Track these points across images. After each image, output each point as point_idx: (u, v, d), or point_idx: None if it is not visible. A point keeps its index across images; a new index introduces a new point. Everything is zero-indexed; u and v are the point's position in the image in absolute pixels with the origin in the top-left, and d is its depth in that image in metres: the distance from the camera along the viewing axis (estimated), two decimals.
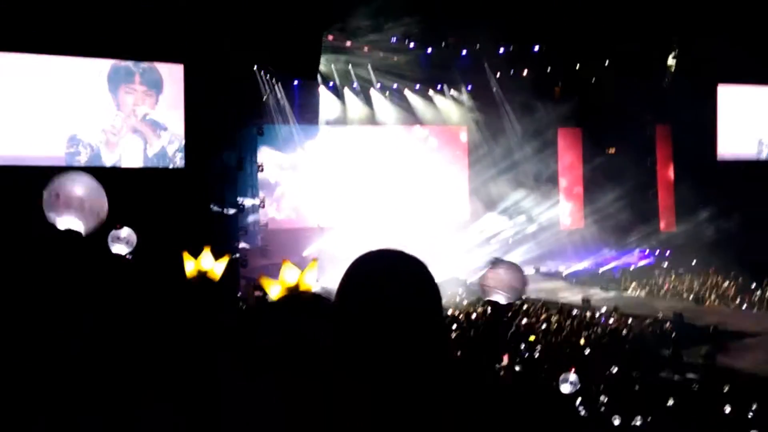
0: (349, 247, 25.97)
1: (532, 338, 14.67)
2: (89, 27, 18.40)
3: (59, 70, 19.64)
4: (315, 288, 2.13)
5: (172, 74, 20.82)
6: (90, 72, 20.07)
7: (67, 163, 19.40)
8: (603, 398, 10.37)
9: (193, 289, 2.06)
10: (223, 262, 2.20)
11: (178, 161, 21.02)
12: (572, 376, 7.74)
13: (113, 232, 4.96)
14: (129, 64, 20.45)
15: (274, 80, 25.33)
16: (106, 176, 15.76)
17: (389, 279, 1.57)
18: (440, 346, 1.55)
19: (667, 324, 17.55)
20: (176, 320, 2.21)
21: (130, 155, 20.54)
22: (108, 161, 20.23)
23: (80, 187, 3.42)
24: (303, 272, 2.15)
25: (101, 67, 20.13)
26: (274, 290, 2.24)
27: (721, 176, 26.96)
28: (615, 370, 12.75)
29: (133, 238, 4.51)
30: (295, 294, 2.17)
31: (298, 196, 27.57)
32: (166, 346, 2.14)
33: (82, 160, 19.80)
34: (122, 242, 4.66)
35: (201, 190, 19.69)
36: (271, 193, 26.04)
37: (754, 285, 22.34)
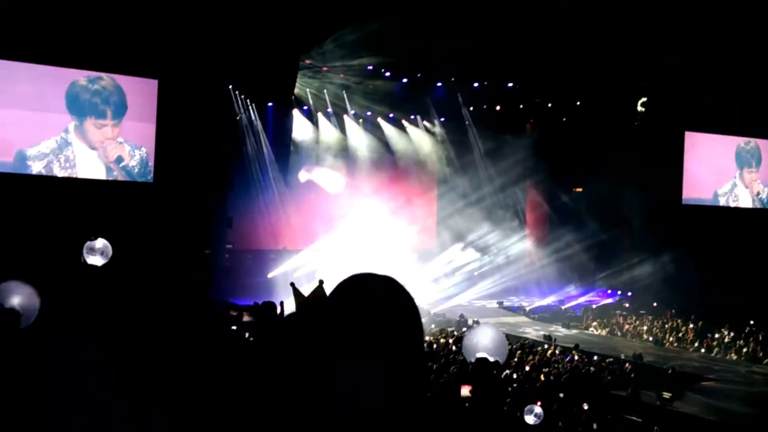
0: (313, 270, 25.94)
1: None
2: (64, 37, 18.26)
3: (32, 77, 19.38)
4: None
5: (145, 89, 20.64)
6: (55, 85, 19.76)
7: (16, 170, 19.10)
8: None
9: (176, 297, 2.06)
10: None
11: (140, 174, 20.79)
12: (537, 409, 7.80)
13: (88, 244, 4.91)
14: (93, 86, 20.14)
15: (248, 101, 25.32)
16: (71, 187, 15.54)
17: (367, 302, 1.64)
18: (420, 365, 1.62)
19: (627, 364, 17.69)
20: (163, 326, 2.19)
21: (92, 167, 20.26)
22: (64, 172, 19.84)
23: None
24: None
25: (69, 78, 19.85)
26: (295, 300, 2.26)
27: (684, 220, 27.37)
28: (585, 407, 12.81)
29: (109, 249, 4.46)
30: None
31: (265, 218, 27.43)
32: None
33: (36, 169, 19.44)
34: (97, 253, 4.61)
35: (170, 205, 19.48)
36: (240, 213, 25.86)
37: (712, 330, 22.62)
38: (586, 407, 12.22)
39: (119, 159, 20.55)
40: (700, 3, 21.92)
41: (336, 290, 1.69)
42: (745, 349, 20.89)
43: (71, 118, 19.99)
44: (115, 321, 2.23)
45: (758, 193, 30.94)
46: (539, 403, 8.26)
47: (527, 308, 26.93)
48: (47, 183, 19.18)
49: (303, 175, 28.64)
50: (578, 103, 28.55)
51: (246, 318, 2.25)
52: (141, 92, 20.65)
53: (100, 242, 4.28)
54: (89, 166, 20.27)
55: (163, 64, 19.73)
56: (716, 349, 21.46)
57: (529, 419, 7.74)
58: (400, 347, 1.60)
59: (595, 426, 12.04)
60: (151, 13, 18.71)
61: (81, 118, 20.10)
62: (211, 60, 19.75)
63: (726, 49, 23.54)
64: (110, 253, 4.38)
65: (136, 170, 20.81)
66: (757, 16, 21.80)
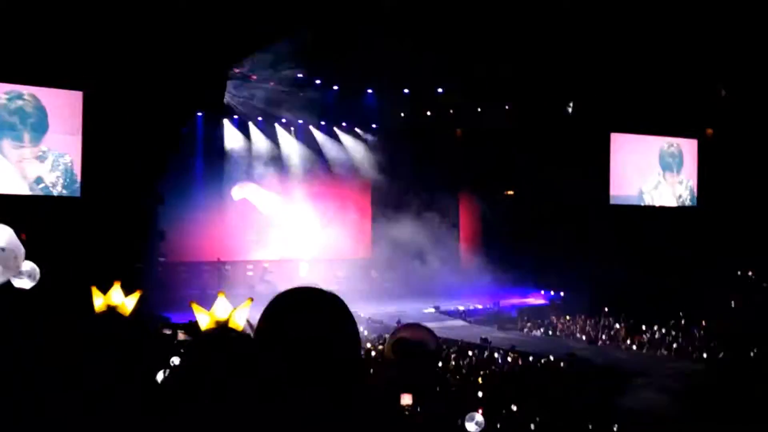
0: (251, 282, 25.68)
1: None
2: None
3: None
4: (244, 327, 2.13)
5: (69, 102, 20.15)
6: None
7: None
8: None
9: (101, 324, 2.01)
10: (134, 297, 2.15)
11: (67, 188, 20.29)
12: (478, 416, 7.82)
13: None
14: (12, 104, 19.59)
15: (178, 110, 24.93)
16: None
17: (307, 309, 1.69)
18: (357, 368, 1.65)
19: (561, 364, 17.98)
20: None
21: (13, 182, 19.70)
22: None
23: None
24: (235, 309, 2.14)
25: None
26: (203, 320, 2.20)
27: (612, 220, 27.99)
28: (514, 408, 12.96)
29: (36, 272, 4.31)
30: (224, 329, 2.14)
31: (199, 229, 27.08)
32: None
33: None
34: (24, 276, 4.44)
35: (98, 219, 19.04)
36: (171, 225, 25.43)
37: (643, 327, 23.15)
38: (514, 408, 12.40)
39: (38, 179, 19.98)
40: (624, 5, 22.42)
41: (271, 310, 1.70)
42: (674, 345, 21.44)
43: None
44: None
45: (680, 196, 31.89)
46: (480, 410, 8.31)
47: (461, 310, 27.12)
48: None
49: (237, 192, 28.39)
50: (507, 107, 28.92)
51: (181, 336, 2.20)
52: (65, 106, 20.16)
53: (27, 264, 4.12)
54: (10, 182, 19.68)
55: (88, 76, 19.28)
56: (647, 346, 21.98)
57: (471, 427, 7.75)
58: (339, 364, 1.62)
59: (533, 426, 12.20)
60: (73, 23, 18.30)
61: None
62: (138, 69, 19.39)
63: (648, 51, 24.17)
64: (38, 275, 4.22)
65: (60, 186, 20.26)
66: (684, 17, 22.40)
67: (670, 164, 31.70)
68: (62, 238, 16.71)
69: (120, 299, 2.26)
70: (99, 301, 2.23)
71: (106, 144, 19.65)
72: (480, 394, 14.00)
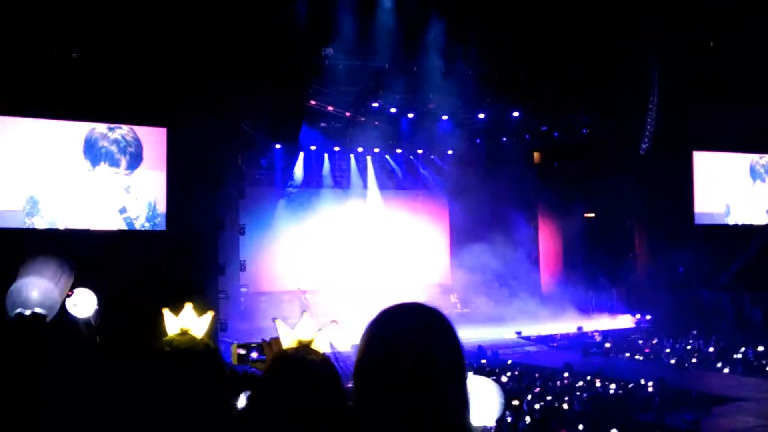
0: (332, 310, 25.86)
1: (515, 402, 14.52)
2: (70, 90, 18.49)
3: (37, 132, 19.56)
4: (326, 351, 2.09)
5: (153, 137, 20.82)
6: (65, 137, 19.90)
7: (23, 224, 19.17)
8: None
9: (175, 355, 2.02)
10: (206, 318, 2.13)
11: (158, 223, 20.84)
12: None
13: (69, 300, 4.80)
14: (111, 134, 20.30)
15: (257, 143, 25.51)
16: (77, 237, 15.54)
17: (413, 332, 1.57)
18: (465, 400, 1.56)
19: (650, 388, 17.46)
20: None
21: (103, 217, 20.30)
22: (77, 223, 19.82)
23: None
24: (320, 330, 2.13)
25: (78, 131, 20.03)
26: (286, 339, 2.20)
27: (697, 239, 27.21)
28: None
29: (93, 298, 4.38)
30: (306, 350, 2.13)
31: (280, 259, 27.52)
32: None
33: (40, 223, 19.48)
34: (80, 306, 4.52)
35: (182, 252, 19.51)
36: (253, 256, 25.88)
37: (738, 349, 22.34)
38: None
39: (123, 209, 20.55)
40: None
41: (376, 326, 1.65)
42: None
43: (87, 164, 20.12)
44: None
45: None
46: None
47: (543, 335, 26.63)
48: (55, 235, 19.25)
49: (315, 222, 28.62)
50: (585, 130, 28.58)
51: (254, 355, 2.22)
52: (154, 141, 20.83)
53: (81, 294, 4.18)
54: (96, 208, 20.30)
55: (170, 111, 19.90)
56: (739, 370, 21.13)
57: None
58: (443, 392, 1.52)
59: None
60: (155, 61, 18.97)
61: (95, 165, 20.20)
62: (217, 103, 19.91)
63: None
64: (95, 301, 4.27)
65: (143, 218, 20.83)
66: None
67: (761, 174, 30.77)
68: (145, 270, 17.16)
69: (193, 321, 2.28)
70: (172, 324, 2.25)
71: (187, 178, 20.19)
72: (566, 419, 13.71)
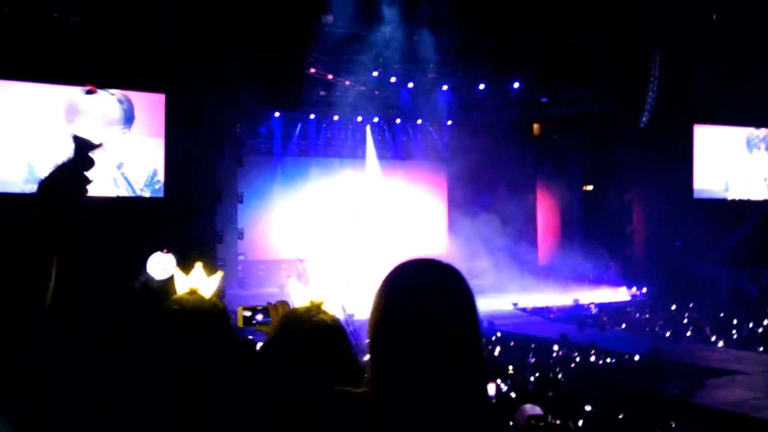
0: (329, 279, 25.84)
1: (510, 371, 14.65)
2: (67, 55, 18.36)
3: (33, 97, 19.46)
4: (338, 314, 2.09)
5: (152, 104, 20.72)
6: (61, 101, 19.78)
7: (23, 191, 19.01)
8: None
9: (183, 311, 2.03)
10: (215, 278, 2.12)
11: (148, 192, 20.77)
12: (537, 409, 7.58)
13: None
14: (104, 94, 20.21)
15: (256, 111, 25.40)
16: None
17: (432, 289, 1.57)
18: (480, 360, 1.54)
19: (644, 360, 17.57)
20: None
21: (100, 185, 20.21)
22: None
23: None
24: (333, 292, 2.12)
25: (74, 96, 19.91)
26: (299, 297, 2.20)
27: (695, 214, 27.25)
28: (588, 408, 12.72)
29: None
30: (316, 310, 2.14)
31: (278, 227, 27.53)
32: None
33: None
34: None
35: (181, 220, 19.50)
36: (251, 224, 25.92)
37: (735, 321, 22.47)
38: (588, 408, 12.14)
39: (120, 164, 20.44)
40: None
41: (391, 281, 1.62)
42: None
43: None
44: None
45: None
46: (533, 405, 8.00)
47: (540, 306, 26.75)
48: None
49: (315, 190, 28.56)
50: (581, 105, 28.50)
51: (260, 318, 2.22)
52: (149, 107, 20.73)
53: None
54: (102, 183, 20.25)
55: (169, 78, 19.77)
56: (735, 343, 21.25)
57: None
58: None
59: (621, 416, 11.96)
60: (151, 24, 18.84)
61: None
62: (216, 71, 19.80)
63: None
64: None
65: (141, 183, 20.78)
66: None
67: (757, 144, 30.81)
68: (144, 237, 17.16)
69: (202, 280, 2.29)
70: (181, 282, 2.25)
71: (186, 145, 20.13)
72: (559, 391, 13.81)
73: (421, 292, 1.55)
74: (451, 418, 1.47)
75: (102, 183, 20.13)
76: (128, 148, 20.45)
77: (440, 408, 1.47)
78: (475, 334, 1.55)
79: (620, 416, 11.98)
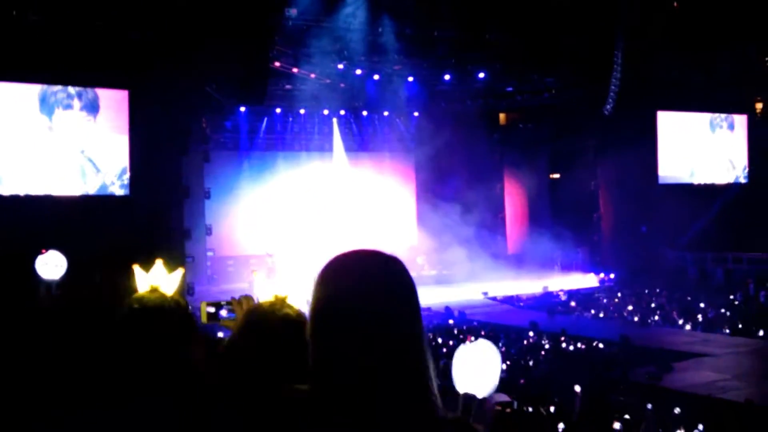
0: (297, 273, 25.81)
1: None
2: (29, 52, 18.09)
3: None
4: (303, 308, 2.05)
5: (116, 100, 20.49)
6: (21, 96, 19.53)
7: None
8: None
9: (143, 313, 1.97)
10: (176, 275, 2.06)
11: (119, 188, 20.56)
12: (503, 396, 7.60)
13: (40, 257, 4.69)
14: (65, 88, 20.00)
15: (221, 106, 25.23)
16: (44, 203, 15.29)
17: (370, 276, 1.53)
18: (420, 345, 1.50)
19: (613, 346, 17.74)
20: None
21: (68, 182, 19.98)
22: (40, 189, 19.50)
23: None
24: (296, 286, 2.10)
25: (34, 91, 19.67)
26: (263, 292, 2.18)
27: (661, 199, 27.57)
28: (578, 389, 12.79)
29: (63, 261, 4.29)
30: (281, 304, 2.11)
31: (246, 222, 27.39)
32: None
33: (5, 190, 19.16)
34: (50, 266, 4.43)
35: (148, 216, 19.28)
36: (219, 220, 25.75)
37: (702, 305, 22.77)
38: (577, 389, 12.22)
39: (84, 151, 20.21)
40: None
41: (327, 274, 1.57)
42: (731, 324, 20.99)
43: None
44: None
45: (732, 165, 31.41)
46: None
47: (510, 295, 26.90)
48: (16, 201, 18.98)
49: (281, 184, 28.45)
50: (546, 95, 28.67)
51: (224, 314, 2.18)
52: (114, 104, 20.50)
53: (52, 255, 4.09)
54: (68, 182, 20.01)
55: (133, 74, 19.53)
56: (703, 327, 21.55)
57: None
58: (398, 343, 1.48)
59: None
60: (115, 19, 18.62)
61: (50, 115, 19.84)
62: (180, 65, 19.60)
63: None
64: (65, 265, 4.19)
65: (111, 178, 20.58)
66: None
67: (719, 124, 31.30)
68: (112, 234, 16.98)
69: (163, 278, 2.25)
70: (142, 280, 2.21)
71: (151, 141, 19.92)
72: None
73: (358, 282, 1.52)
74: (392, 413, 1.44)
75: (70, 173, 19.96)
76: (96, 142, 20.26)
77: (381, 403, 1.44)
78: (414, 324, 1.52)
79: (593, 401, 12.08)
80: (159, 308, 2.15)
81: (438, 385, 1.54)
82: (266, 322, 2.03)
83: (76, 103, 20.17)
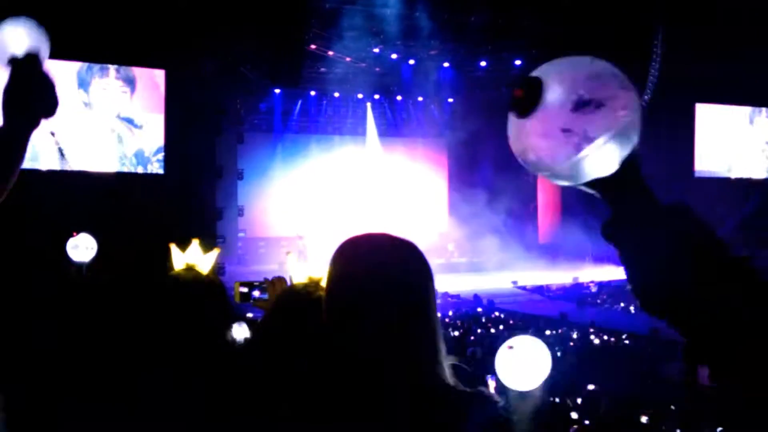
0: (327, 256, 25.88)
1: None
2: (68, 29, 18.22)
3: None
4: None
5: (152, 79, 20.66)
6: (59, 74, 19.75)
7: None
8: (574, 415, 10.33)
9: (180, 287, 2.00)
10: (212, 254, 2.09)
11: (156, 167, 20.77)
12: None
13: (71, 240, 4.76)
14: (104, 66, 20.24)
15: (256, 88, 25.30)
16: (79, 180, 15.46)
17: (385, 258, 1.54)
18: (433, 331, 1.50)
19: (642, 339, 17.58)
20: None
21: (103, 157, 20.21)
22: (75, 165, 19.71)
23: None
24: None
25: (73, 68, 19.89)
26: (299, 274, 2.18)
27: (696, 193, 27.21)
28: (591, 387, 12.72)
29: (94, 243, 4.35)
30: (315, 287, 2.11)
31: (278, 204, 27.51)
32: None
33: (43, 165, 19.32)
34: (81, 249, 4.50)
35: (181, 196, 19.45)
36: (251, 201, 25.88)
37: None
38: (604, 383, 12.14)
39: (133, 146, 20.46)
40: None
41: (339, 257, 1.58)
42: None
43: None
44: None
45: None
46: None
47: (539, 285, 26.77)
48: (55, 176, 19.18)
49: (315, 167, 28.52)
50: None
51: (257, 294, 2.19)
52: (149, 84, 20.67)
53: (83, 237, 4.13)
54: (104, 156, 20.25)
55: (170, 54, 19.66)
56: None
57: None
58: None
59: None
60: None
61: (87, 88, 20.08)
62: (217, 47, 19.68)
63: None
64: (95, 247, 4.23)
65: (148, 159, 20.80)
66: None
67: (758, 112, 30.83)
68: (145, 212, 17.15)
69: (198, 257, 2.26)
70: (178, 259, 2.23)
71: (186, 121, 20.06)
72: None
73: (365, 263, 1.53)
74: (399, 391, 1.44)
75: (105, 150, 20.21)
76: (132, 119, 20.50)
77: (388, 382, 1.44)
78: (421, 306, 1.51)
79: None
80: (197, 284, 2.17)
81: (467, 372, 1.53)
82: (298, 304, 2.03)
83: (113, 73, 20.39)
